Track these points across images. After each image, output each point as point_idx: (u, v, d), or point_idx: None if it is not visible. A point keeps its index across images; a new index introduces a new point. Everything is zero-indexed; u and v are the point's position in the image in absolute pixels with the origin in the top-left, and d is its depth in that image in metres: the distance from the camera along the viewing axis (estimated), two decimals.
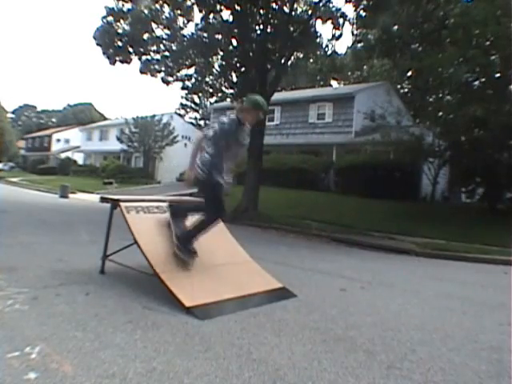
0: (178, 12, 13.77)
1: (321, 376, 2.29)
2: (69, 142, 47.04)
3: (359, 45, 15.40)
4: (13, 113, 68.87)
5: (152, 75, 14.67)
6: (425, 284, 5.23)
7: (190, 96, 45.98)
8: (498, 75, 12.03)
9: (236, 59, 13.52)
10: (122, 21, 13.74)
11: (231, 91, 14.86)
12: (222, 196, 3.84)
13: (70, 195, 19.58)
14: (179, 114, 45.01)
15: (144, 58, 14.27)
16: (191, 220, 4.03)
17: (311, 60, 15.29)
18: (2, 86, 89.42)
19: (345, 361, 2.51)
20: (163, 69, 14.61)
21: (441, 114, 13.39)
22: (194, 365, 2.31)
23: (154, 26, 13.84)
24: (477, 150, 11.93)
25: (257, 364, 2.38)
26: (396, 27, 12.66)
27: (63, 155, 43.04)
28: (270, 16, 13.15)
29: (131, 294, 3.58)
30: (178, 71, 14.90)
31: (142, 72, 14.54)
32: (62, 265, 4.61)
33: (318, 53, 14.57)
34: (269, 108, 14.53)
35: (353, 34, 14.19)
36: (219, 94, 17.17)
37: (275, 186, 18.08)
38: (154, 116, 31.91)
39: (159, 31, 14.07)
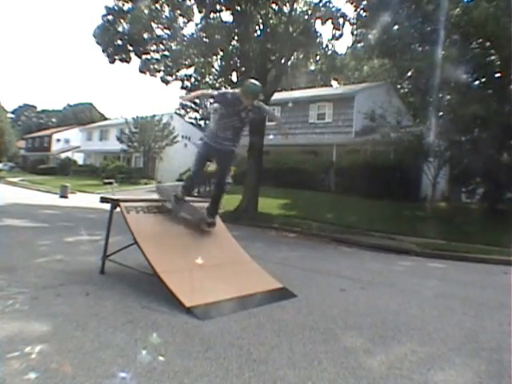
0: (178, 12, 13.75)
1: (321, 376, 2.29)
2: (69, 142, 47.02)
3: (359, 45, 15.36)
4: (13, 113, 68.85)
5: (151, 75, 14.65)
6: (425, 284, 5.22)
7: None
8: (498, 75, 12.02)
9: (236, 59, 13.51)
10: (121, 20, 13.72)
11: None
12: (206, 158, 4.50)
13: (70, 195, 19.60)
14: (179, 114, 45.02)
15: (144, 57, 14.25)
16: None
17: (311, 60, 15.22)
18: (2, 86, 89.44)
19: (345, 361, 2.51)
20: (163, 68, 14.59)
21: (441, 113, 13.38)
22: (194, 365, 2.31)
23: (153, 25, 13.82)
24: (477, 150, 11.92)
25: (257, 364, 2.38)
26: (396, 27, 12.63)
27: (63, 155, 43.03)
28: (270, 16, 13.14)
29: (131, 294, 3.58)
30: (178, 71, 14.88)
31: (141, 71, 14.52)
32: (62, 265, 4.61)
33: (318, 53, 14.54)
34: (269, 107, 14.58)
35: (353, 34, 14.13)
36: None
37: (275, 186, 18.06)
38: (154, 116, 31.91)
39: (159, 31, 14.07)
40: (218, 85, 15.35)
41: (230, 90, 4.41)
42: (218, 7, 12.91)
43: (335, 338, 2.90)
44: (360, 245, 8.80)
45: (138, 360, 2.31)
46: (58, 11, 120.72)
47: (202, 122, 49.25)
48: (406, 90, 18.80)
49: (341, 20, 12.73)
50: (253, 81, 4.21)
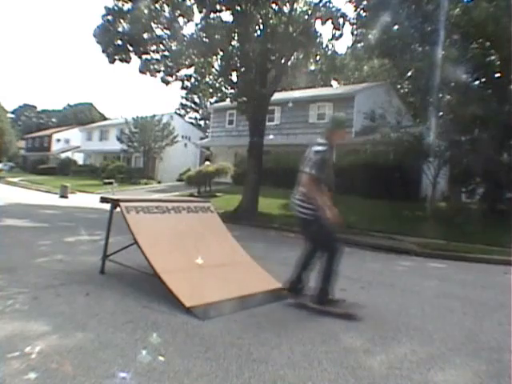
0: (178, 12, 13.73)
1: (321, 376, 2.29)
2: (69, 142, 47.02)
3: (359, 45, 15.36)
4: (13, 113, 68.77)
5: (151, 75, 14.62)
6: (425, 284, 5.22)
7: (189, 96, 46.02)
8: (497, 75, 12.01)
9: (236, 59, 13.50)
10: (121, 20, 13.71)
11: (231, 91, 14.83)
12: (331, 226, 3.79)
13: (70, 195, 19.59)
14: (179, 114, 45.03)
15: (144, 57, 14.23)
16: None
17: (311, 60, 15.24)
18: (2, 85, 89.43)
19: (345, 361, 2.51)
20: (163, 68, 14.57)
21: (441, 114, 13.37)
22: (194, 365, 2.31)
23: (153, 25, 13.81)
24: (477, 149, 11.91)
25: (257, 364, 2.38)
26: (396, 27, 12.64)
27: (63, 155, 43.04)
28: (270, 16, 13.13)
29: (131, 294, 3.58)
30: (178, 71, 14.86)
31: (141, 71, 14.50)
32: (62, 265, 4.61)
33: (318, 53, 14.55)
34: (269, 108, 14.61)
35: (353, 34, 14.13)
36: (219, 94, 17.12)
37: (275, 186, 18.04)
38: (154, 116, 31.89)
39: (159, 31, 14.05)
40: (218, 85, 15.33)
41: (321, 148, 3.70)
42: (218, 7, 12.89)
43: (335, 338, 2.90)
44: (360, 245, 8.79)
45: (137, 360, 2.31)
46: (58, 11, 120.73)
47: (202, 122, 49.29)
48: (406, 89, 18.79)
49: (341, 20, 12.72)
50: (332, 114, 3.97)
